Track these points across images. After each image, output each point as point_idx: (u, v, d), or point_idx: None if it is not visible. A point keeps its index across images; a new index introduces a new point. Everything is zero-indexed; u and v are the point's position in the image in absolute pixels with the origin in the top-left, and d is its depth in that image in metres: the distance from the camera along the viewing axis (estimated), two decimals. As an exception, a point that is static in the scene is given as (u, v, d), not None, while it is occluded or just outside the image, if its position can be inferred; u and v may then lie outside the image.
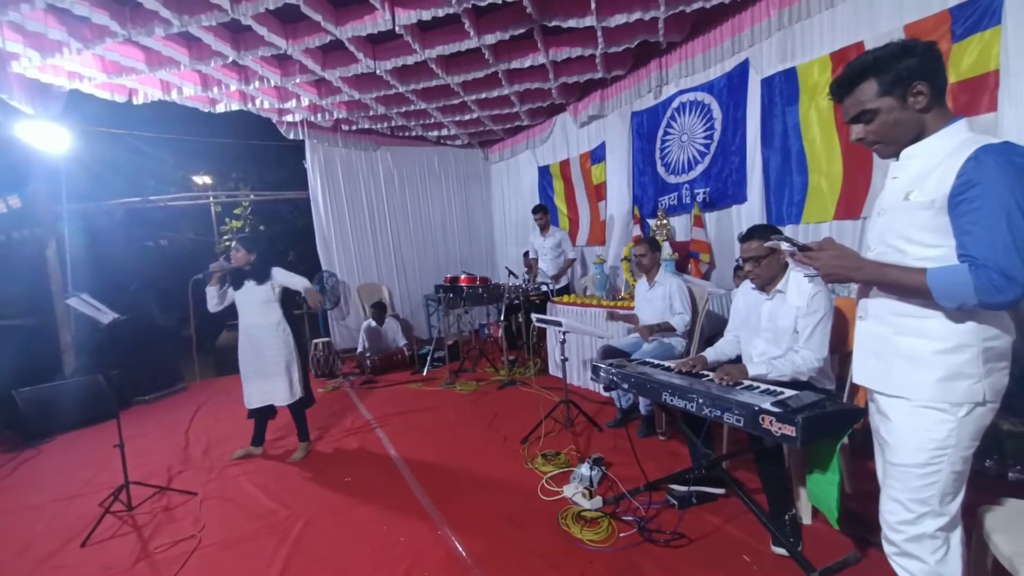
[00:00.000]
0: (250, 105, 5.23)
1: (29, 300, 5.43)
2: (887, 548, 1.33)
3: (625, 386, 2.36)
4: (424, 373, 5.49)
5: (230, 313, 3.31)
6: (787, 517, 2.00)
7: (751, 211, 3.94)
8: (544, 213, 5.52)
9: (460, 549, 2.20)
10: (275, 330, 3.25)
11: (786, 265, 2.19)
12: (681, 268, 4.31)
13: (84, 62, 4.02)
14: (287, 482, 3.03)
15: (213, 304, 3.28)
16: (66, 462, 3.71)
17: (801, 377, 2.05)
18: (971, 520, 1.43)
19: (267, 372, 3.24)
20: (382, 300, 6.28)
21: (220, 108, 5.16)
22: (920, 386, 1.24)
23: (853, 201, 3.21)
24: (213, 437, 3.96)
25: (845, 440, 2.15)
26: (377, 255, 7.02)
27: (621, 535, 2.19)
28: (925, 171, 1.22)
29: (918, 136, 1.26)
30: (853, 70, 1.28)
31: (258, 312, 3.25)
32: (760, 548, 2.04)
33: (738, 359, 2.41)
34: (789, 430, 1.58)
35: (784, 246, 1.40)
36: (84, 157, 5.90)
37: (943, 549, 1.25)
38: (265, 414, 3.42)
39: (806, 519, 2.18)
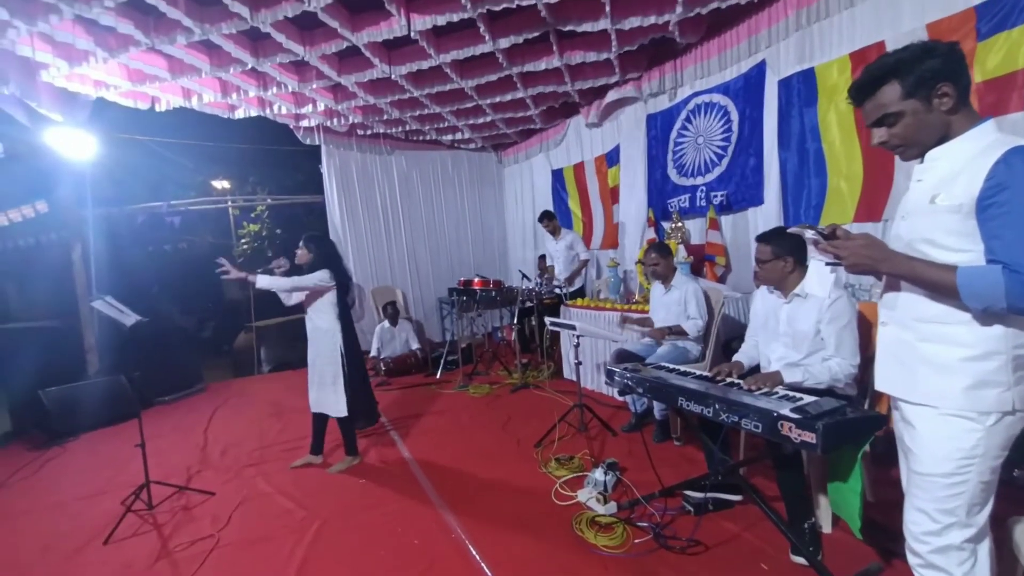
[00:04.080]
0: (268, 111, 5.33)
1: (55, 302, 5.57)
2: (911, 560, 1.30)
3: (640, 390, 2.34)
4: (437, 376, 5.51)
5: (248, 315, 3.25)
6: (806, 525, 1.96)
7: (768, 214, 3.89)
8: (550, 219, 5.49)
9: (474, 553, 2.20)
10: (325, 337, 3.13)
11: (792, 272, 2.16)
12: (696, 271, 4.27)
13: (109, 71, 4.14)
14: (303, 483, 3.07)
15: (283, 298, 3.24)
16: (89, 461, 3.80)
17: (838, 385, 2.02)
18: (1000, 532, 1.38)
19: (317, 380, 3.17)
20: (395, 301, 6.31)
21: (239, 114, 5.26)
22: (946, 394, 1.21)
23: (874, 203, 3.15)
24: (231, 438, 4.02)
25: (867, 447, 2.11)
26: (391, 258, 7.07)
27: (636, 541, 2.17)
28: (952, 174, 1.19)
29: (943, 138, 1.23)
30: (873, 73, 1.24)
31: (312, 315, 3.17)
32: (779, 557, 2.01)
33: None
34: (809, 437, 1.55)
35: (809, 234, 1.37)
36: (108, 163, 6.04)
37: (970, 561, 1.21)
38: (322, 422, 3.30)
39: (826, 527, 2.14)
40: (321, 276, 3.09)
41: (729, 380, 2.15)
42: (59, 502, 3.07)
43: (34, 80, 4.09)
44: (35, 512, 2.98)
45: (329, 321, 3.14)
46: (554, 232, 5.53)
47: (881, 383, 1.39)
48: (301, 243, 3.21)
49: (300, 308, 3.27)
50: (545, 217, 5.51)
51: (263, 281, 3.03)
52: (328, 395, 3.15)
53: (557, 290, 5.27)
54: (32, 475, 3.59)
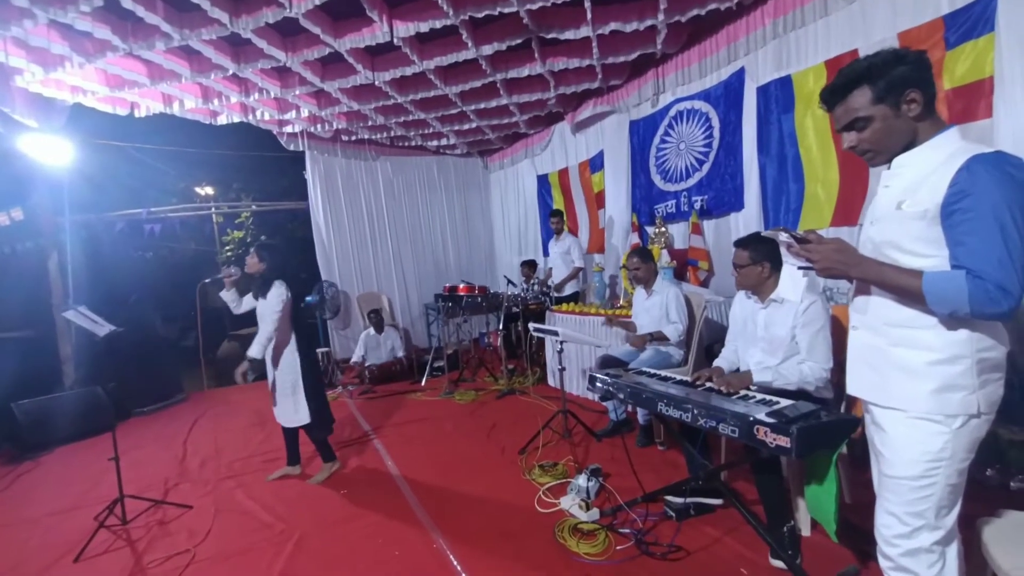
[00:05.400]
0: (251, 117, 5.28)
1: (30, 312, 5.44)
2: (883, 563, 1.31)
3: (621, 396, 2.34)
4: (423, 383, 5.47)
5: (232, 323, 3.17)
6: (785, 529, 1.97)
7: (748, 218, 3.94)
8: (560, 218, 5.52)
9: (455, 563, 2.17)
10: (283, 347, 3.07)
11: (769, 277, 2.18)
12: (679, 276, 4.30)
13: (86, 76, 4.07)
14: (283, 495, 3.01)
15: (232, 307, 3.19)
16: (63, 475, 3.70)
17: (808, 387, 2.04)
18: (970, 532, 1.40)
19: (277, 390, 3.13)
20: (380, 309, 6.27)
21: (221, 120, 5.21)
22: (915, 397, 1.22)
23: (850, 208, 3.20)
24: (211, 449, 3.95)
25: (844, 450, 2.12)
26: (377, 264, 7.03)
27: (618, 548, 2.17)
28: (917, 180, 1.21)
29: (910, 145, 1.25)
30: (846, 77, 1.26)
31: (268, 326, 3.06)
32: (758, 560, 2.01)
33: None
34: (784, 441, 1.56)
35: (782, 237, 1.38)
36: (86, 169, 5.94)
37: (939, 564, 1.23)
38: (292, 432, 3.25)
39: (805, 531, 2.15)
40: (281, 295, 3.00)
41: (708, 385, 2.17)
42: (30, 518, 2.98)
43: (8, 85, 4.02)
44: (5, 528, 2.89)
45: (285, 331, 3.07)
46: (558, 232, 5.52)
47: (852, 387, 1.40)
48: (253, 251, 3.14)
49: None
50: (555, 215, 5.54)
51: (259, 351, 2.96)
52: (288, 405, 3.09)
53: (542, 296, 5.27)
54: (3, 491, 3.48)
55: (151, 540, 2.59)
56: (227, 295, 3.19)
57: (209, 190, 10.12)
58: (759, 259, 2.18)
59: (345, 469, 3.33)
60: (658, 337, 3.18)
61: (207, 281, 3.12)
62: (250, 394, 5.82)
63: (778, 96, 3.62)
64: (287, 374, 3.08)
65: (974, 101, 2.61)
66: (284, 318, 3.05)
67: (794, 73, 3.50)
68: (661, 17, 3.65)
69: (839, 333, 2.25)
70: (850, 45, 3.13)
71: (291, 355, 3.08)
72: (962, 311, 1.11)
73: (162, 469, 3.58)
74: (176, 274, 9.58)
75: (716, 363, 2.44)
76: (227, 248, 9.87)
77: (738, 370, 2.39)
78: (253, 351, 2.95)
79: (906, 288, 1.19)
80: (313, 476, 3.20)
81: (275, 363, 3.10)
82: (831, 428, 1.67)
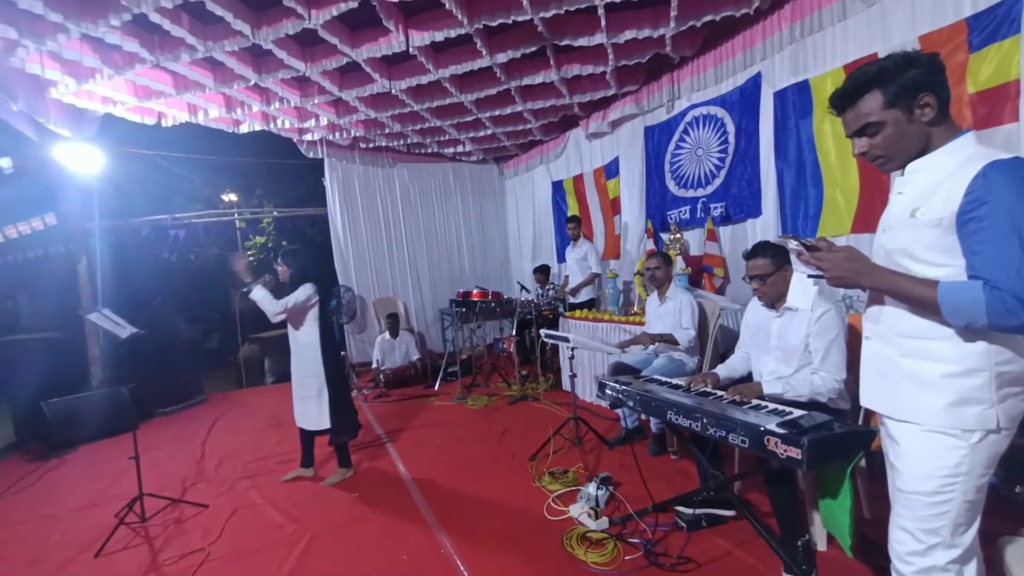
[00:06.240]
0: (272, 125, 5.41)
1: (61, 313, 5.65)
2: (897, 581, 1.27)
3: (630, 404, 2.32)
4: (436, 387, 5.49)
5: (253, 325, 3.18)
6: (800, 543, 1.91)
7: (766, 225, 3.87)
8: (577, 224, 5.46)
9: (462, 568, 2.17)
10: (309, 351, 3.12)
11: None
12: (695, 283, 4.25)
13: (116, 87, 4.22)
14: (296, 496, 3.05)
15: (271, 315, 3.18)
16: (87, 473, 3.81)
17: (820, 398, 1.99)
18: (991, 550, 1.35)
19: (301, 392, 3.17)
20: (396, 313, 6.33)
21: (244, 129, 5.35)
22: (929, 411, 1.18)
23: (870, 214, 3.12)
24: (228, 450, 4.03)
25: (862, 463, 2.07)
26: (393, 270, 7.10)
27: (626, 558, 2.14)
28: (931, 187, 1.17)
29: (923, 150, 1.22)
30: (856, 81, 1.23)
31: (297, 328, 3.15)
32: (771, 575, 1.96)
33: (750, 376, 2.35)
34: (795, 452, 1.53)
35: (792, 244, 1.36)
36: (115, 176, 6.15)
37: (956, 583, 1.18)
38: (308, 435, 3.29)
39: (821, 545, 2.09)
40: (308, 293, 3.08)
41: (704, 390, 2.14)
42: (53, 514, 3.08)
43: (43, 97, 4.19)
44: (28, 524, 2.98)
45: (311, 334, 3.13)
46: (575, 238, 5.47)
47: (865, 398, 1.37)
48: (279, 259, 3.21)
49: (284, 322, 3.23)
50: (573, 220, 5.47)
51: (257, 294, 3.02)
52: (311, 408, 3.12)
53: (557, 302, 5.25)
54: (29, 487, 3.60)
55: (168, 538, 2.65)
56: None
57: (233, 197, 10.37)
58: (781, 263, 2.13)
59: (358, 472, 3.36)
60: (667, 340, 3.14)
61: (245, 290, 3.15)
62: (269, 396, 5.94)
63: (795, 101, 3.57)
64: (313, 377, 3.12)
65: (999, 105, 2.52)
66: (303, 314, 3.10)
67: (812, 78, 3.44)
68: (672, 25, 3.64)
69: (855, 342, 2.20)
70: (869, 49, 3.07)
71: (315, 360, 3.12)
72: (979, 323, 1.07)
73: (181, 469, 3.66)
74: (200, 278, 9.85)
75: (719, 368, 2.40)
76: (249, 253, 10.08)
77: (743, 377, 2.35)
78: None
79: (920, 298, 1.15)
80: (326, 479, 3.23)
81: (300, 364, 3.16)
82: (845, 440, 1.63)
